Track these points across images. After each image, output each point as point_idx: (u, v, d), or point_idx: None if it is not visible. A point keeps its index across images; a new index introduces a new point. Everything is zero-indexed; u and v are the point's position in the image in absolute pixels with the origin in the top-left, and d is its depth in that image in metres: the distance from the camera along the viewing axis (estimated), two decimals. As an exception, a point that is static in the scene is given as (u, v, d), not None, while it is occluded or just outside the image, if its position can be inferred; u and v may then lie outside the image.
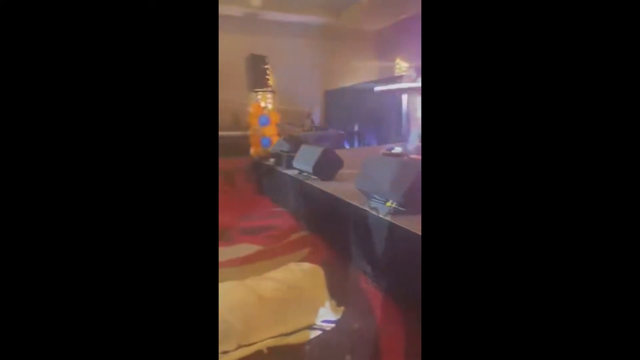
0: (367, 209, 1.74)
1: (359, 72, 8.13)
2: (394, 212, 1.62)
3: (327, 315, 1.39)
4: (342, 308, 1.46)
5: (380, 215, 1.62)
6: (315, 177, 2.50)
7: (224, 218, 2.29)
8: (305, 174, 2.60)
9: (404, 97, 2.69)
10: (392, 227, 1.53)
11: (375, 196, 1.78)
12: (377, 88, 2.97)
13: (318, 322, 1.34)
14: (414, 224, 1.45)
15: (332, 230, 2.20)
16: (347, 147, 6.58)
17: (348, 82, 7.77)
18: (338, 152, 2.73)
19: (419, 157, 2.84)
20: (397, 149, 3.08)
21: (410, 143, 2.35)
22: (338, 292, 1.59)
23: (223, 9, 6.15)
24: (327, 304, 1.45)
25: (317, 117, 7.97)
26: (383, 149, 3.61)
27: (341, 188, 2.21)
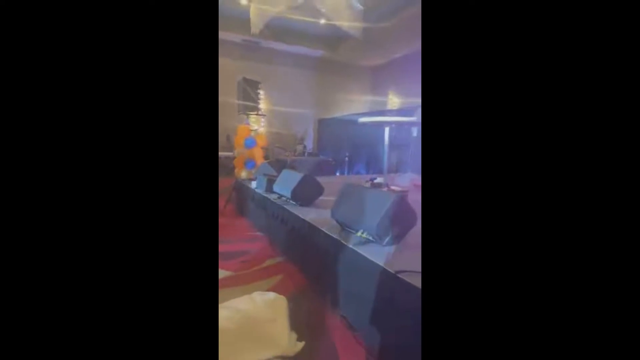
0: (339, 238, 1.69)
1: (353, 104, 8.39)
2: (365, 243, 1.57)
3: (283, 350, 1.29)
4: (302, 343, 1.36)
5: (350, 246, 1.57)
6: (294, 203, 2.46)
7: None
8: (284, 198, 2.57)
9: (387, 130, 2.73)
10: (360, 259, 1.48)
11: (348, 225, 1.74)
12: (364, 119, 3.03)
13: (271, 358, 1.24)
14: (382, 257, 1.40)
15: (306, 258, 2.13)
16: (338, 174, 6.63)
17: (341, 113, 7.99)
18: (327, 179, 2.72)
19: (399, 189, 2.84)
20: (379, 180, 3.09)
21: (402, 174, 2.37)
22: (301, 325, 1.49)
23: (224, 35, 6.41)
24: (286, 338, 1.36)
25: (309, 143, 8.07)
26: (368, 178, 3.62)
27: (319, 215, 2.17)
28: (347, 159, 6.86)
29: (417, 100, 6.26)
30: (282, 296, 1.68)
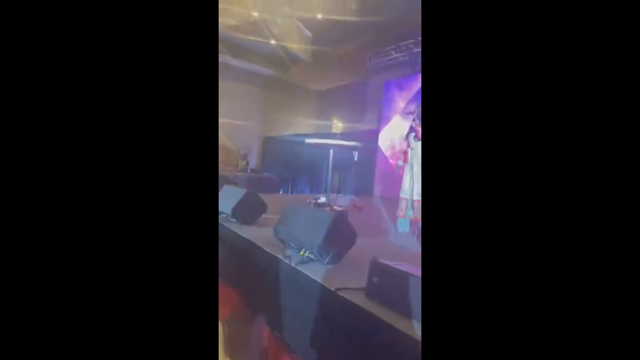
0: (281, 257, 1.67)
1: (298, 126, 8.56)
2: (307, 262, 1.58)
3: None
4: (237, 370, 1.29)
5: (293, 265, 1.56)
6: (234, 220, 2.37)
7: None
8: (223, 215, 2.45)
9: (332, 152, 2.85)
10: (302, 278, 1.48)
11: (291, 244, 1.73)
12: (311, 140, 3.11)
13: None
14: (323, 276, 1.42)
15: (245, 279, 2.04)
16: (281, 193, 6.58)
17: (286, 132, 8.07)
18: (270, 196, 2.67)
19: (341, 208, 2.94)
20: (322, 199, 3.17)
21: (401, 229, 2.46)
22: (238, 348, 1.41)
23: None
24: (220, 365, 1.27)
25: (252, 160, 7.93)
26: (312, 197, 3.68)
27: (261, 233, 2.12)
28: (290, 178, 6.89)
29: (359, 126, 6.68)
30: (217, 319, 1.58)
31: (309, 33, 5.95)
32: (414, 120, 2.42)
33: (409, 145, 2.39)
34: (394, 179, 5.13)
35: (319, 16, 5.20)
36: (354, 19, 4.97)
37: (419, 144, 2.33)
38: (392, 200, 2.93)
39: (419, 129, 2.32)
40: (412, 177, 2.36)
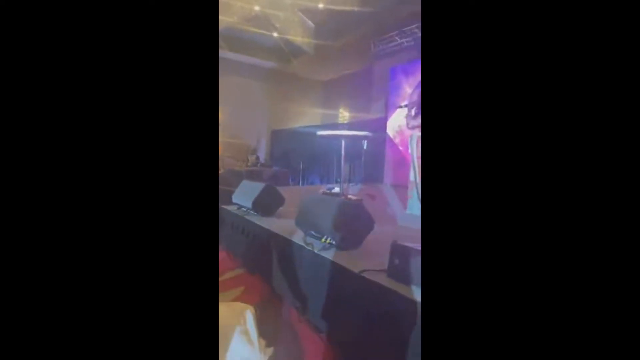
0: (304, 244, 1.77)
1: (305, 117, 8.58)
2: (329, 248, 1.67)
3: (253, 357, 1.31)
4: (272, 349, 1.40)
5: (315, 251, 1.66)
6: (255, 213, 2.48)
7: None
8: (244, 209, 2.56)
9: (343, 142, 2.92)
10: (326, 263, 1.57)
11: (312, 232, 1.83)
12: (323, 132, 3.18)
13: (243, 365, 1.26)
14: (346, 260, 1.51)
15: (269, 267, 2.15)
16: (292, 184, 6.67)
17: (293, 124, 8.11)
18: (283, 189, 2.76)
19: (355, 197, 3.03)
20: (336, 189, 3.25)
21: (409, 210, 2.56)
22: (269, 332, 1.53)
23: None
24: (256, 345, 1.38)
25: (262, 154, 8.03)
26: (324, 188, 3.76)
27: (282, 224, 2.22)
28: (301, 169, 6.98)
29: (366, 115, 6.67)
30: (248, 305, 1.70)
31: (311, 24, 5.93)
32: (408, 110, 2.49)
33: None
34: (404, 165, 5.17)
35: (320, 6, 5.19)
36: (355, 8, 4.94)
37: (415, 132, 2.39)
38: (403, 187, 3.00)
39: (411, 121, 2.39)
40: (412, 163, 2.44)
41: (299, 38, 6.34)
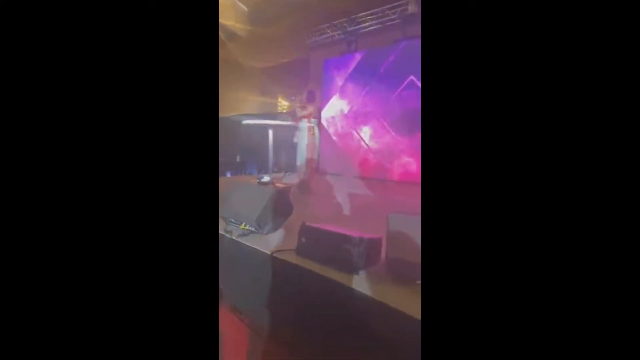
0: (223, 232, 1.82)
1: (245, 104, 8.35)
2: (248, 234, 1.75)
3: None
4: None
5: (233, 237, 1.73)
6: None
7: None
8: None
9: (270, 132, 2.98)
10: (243, 248, 1.65)
11: (232, 220, 1.88)
12: (248, 121, 3.19)
13: None
14: (263, 244, 1.61)
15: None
16: (229, 175, 6.52)
17: (231, 113, 7.85)
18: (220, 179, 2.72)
19: (283, 185, 3.13)
20: (266, 178, 3.32)
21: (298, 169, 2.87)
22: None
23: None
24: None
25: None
26: (256, 177, 3.78)
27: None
28: (238, 159, 6.84)
29: (304, 105, 6.76)
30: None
31: (244, 7, 5.75)
32: (300, 102, 2.81)
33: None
34: (338, 155, 5.43)
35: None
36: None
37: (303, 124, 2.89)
38: (334, 175, 3.18)
39: (301, 111, 2.85)
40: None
41: (232, 22, 6.10)
